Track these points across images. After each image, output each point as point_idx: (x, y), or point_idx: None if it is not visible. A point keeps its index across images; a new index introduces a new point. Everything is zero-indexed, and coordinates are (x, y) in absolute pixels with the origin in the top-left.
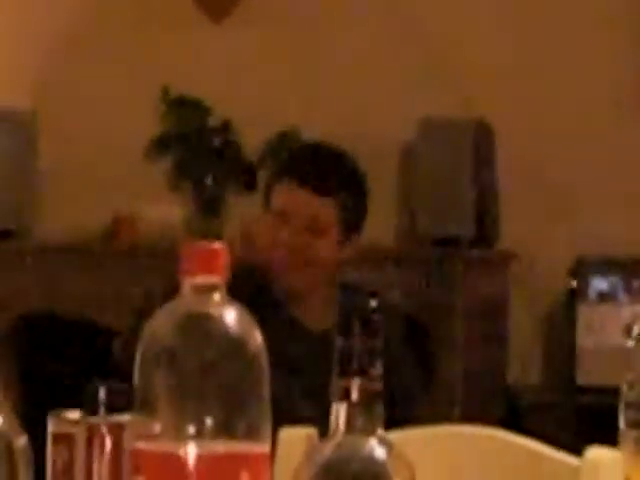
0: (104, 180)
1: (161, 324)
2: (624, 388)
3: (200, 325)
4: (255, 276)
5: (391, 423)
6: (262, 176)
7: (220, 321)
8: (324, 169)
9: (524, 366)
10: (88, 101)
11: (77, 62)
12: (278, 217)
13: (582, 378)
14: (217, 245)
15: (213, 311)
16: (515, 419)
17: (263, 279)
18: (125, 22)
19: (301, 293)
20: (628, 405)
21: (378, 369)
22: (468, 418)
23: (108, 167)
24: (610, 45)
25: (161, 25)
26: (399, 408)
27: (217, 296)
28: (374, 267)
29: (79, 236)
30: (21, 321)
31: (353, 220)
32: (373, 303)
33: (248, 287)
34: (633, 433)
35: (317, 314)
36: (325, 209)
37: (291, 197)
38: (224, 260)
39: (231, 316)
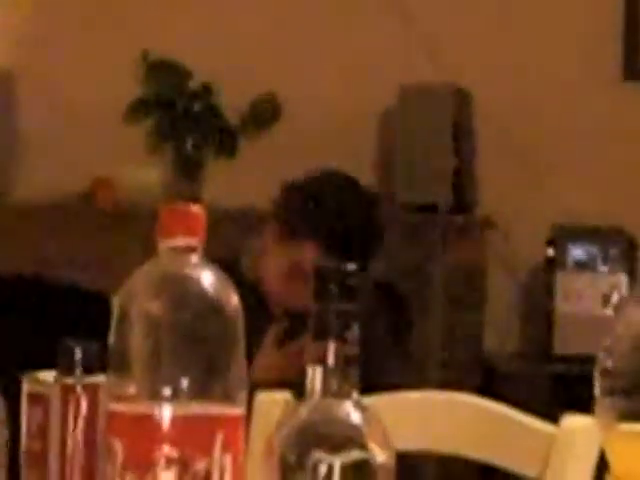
0: (83, 142)
1: (138, 285)
2: (600, 356)
3: (177, 286)
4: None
5: (366, 390)
6: (242, 140)
7: (197, 283)
8: (349, 235)
9: (501, 334)
10: (67, 63)
11: (56, 23)
12: (293, 268)
13: (559, 346)
14: (195, 207)
15: (190, 273)
16: (491, 386)
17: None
18: None
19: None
20: (604, 373)
21: (354, 333)
22: (444, 385)
23: (87, 129)
24: (588, 12)
25: None
26: (374, 374)
27: (194, 258)
28: None
29: (57, 197)
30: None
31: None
32: (349, 267)
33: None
34: (608, 401)
35: None
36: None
37: (313, 259)
38: (202, 222)
39: (208, 278)
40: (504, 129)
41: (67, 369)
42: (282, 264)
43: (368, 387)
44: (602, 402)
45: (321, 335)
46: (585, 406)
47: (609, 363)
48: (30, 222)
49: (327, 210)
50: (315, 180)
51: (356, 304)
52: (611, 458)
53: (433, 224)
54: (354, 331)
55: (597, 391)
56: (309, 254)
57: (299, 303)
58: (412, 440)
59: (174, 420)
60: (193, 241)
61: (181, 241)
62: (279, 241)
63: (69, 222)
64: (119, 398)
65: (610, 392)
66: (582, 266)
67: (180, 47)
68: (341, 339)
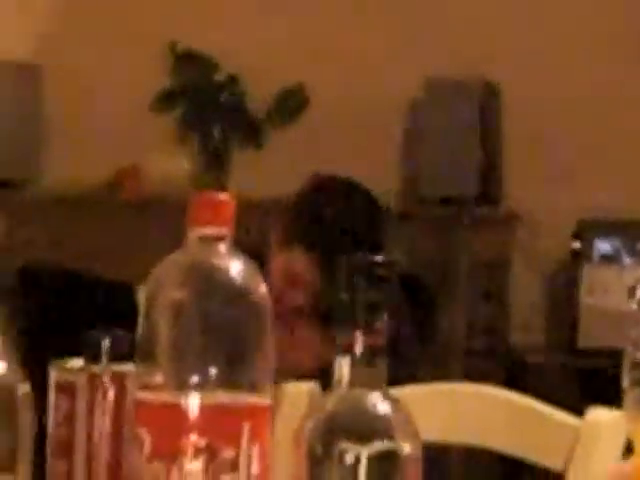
0: (110, 132)
1: (166, 274)
2: (629, 348)
3: (205, 275)
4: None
5: (391, 381)
6: (268, 131)
7: (225, 272)
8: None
9: (526, 327)
10: (95, 53)
11: (84, 14)
12: (286, 277)
13: (584, 340)
14: (224, 196)
15: (219, 262)
16: (516, 379)
17: None
18: None
19: None
20: (633, 365)
21: (382, 324)
22: (469, 377)
23: (114, 119)
24: (616, 6)
25: None
26: (400, 367)
27: (223, 247)
28: None
29: (83, 187)
30: (25, 271)
31: None
32: (378, 258)
33: None
34: (637, 392)
35: None
36: None
37: (305, 272)
38: (231, 211)
39: (236, 267)
40: (531, 122)
41: (94, 358)
42: (276, 268)
43: (392, 379)
44: (631, 394)
45: (349, 325)
46: (609, 399)
47: (638, 355)
48: (55, 211)
49: (323, 225)
50: (317, 191)
51: (384, 294)
52: (639, 449)
53: (459, 217)
54: (382, 321)
55: (625, 383)
56: (302, 266)
57: (290, 307)
58: (436, 431)
59: (202, 409)
60: (222, 230)
61: (210, 230)
62: (279, 245)
63: (94, 211)
64: (147, 387)
65: (639, 384)
66: (608, 259)
67: (207, 38)
68: (369, 329)
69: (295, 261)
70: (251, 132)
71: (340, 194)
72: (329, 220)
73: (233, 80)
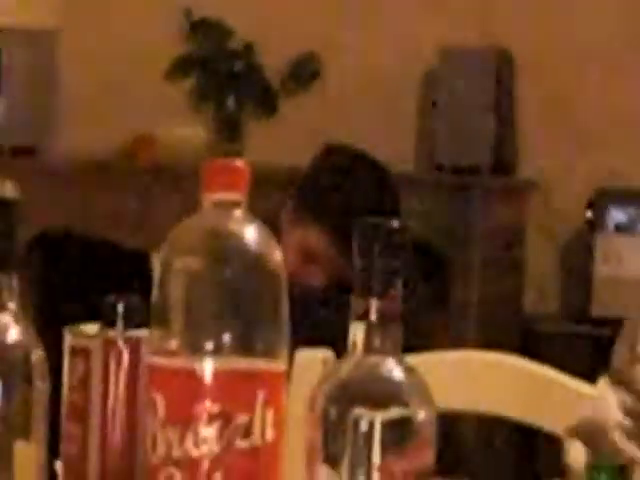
0: (125, 100)
1: (181, 239)
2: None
3: (220, 241)
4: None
5: (405, 349)
6: (282, 100)
7: (240, 238)
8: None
9: (540, 295)
10: (110, 20)
11: None
12: (301, 251)
13: (598, 309)
14: (239, 162)
15: (234, 228)
16: (530, 348)
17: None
18: None
19: None
20: None
21: (398, 290)
22: (483, 346)
23: (129, 87)
24: None
25: None
26: (412, 334)
27: (238, 213)
28: None
29: (99, 154)
30: (39, 238)
31: None
32: (394, 224)
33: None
34: None
35: None
36: None
37: (319, 246)
38: (246, 177)
39: (251, 233)
40: (546, 90)
41: (109, 323)
42: (292, 246)
43: (406, 346)
44: None
45: (364, 291)
46: None
47: None
48: (70, 178)
49: (334, 199)
50: (326, 166)
51: (400, 261)
52: None
53: (473, 186)
54: (398, 288)
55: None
56: (316, 241)
57: (309, 283)
58: (451, 400)
59: (216, 375)
60: (237, 195)
61: (225, 196)
62: (292, 222)
63: (109, 179)
64: (161, 352)
65: None
66: (622, 228)
67: (222, 6)
68: (384, 296)
69: (309, 237)
70: (265, 100)
71: (348, 167)
72: (339, 194)
73: (248, 48)
